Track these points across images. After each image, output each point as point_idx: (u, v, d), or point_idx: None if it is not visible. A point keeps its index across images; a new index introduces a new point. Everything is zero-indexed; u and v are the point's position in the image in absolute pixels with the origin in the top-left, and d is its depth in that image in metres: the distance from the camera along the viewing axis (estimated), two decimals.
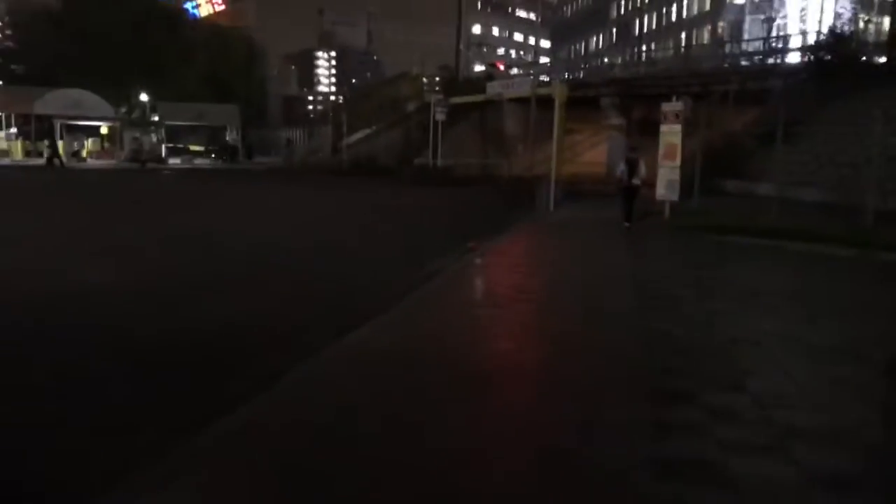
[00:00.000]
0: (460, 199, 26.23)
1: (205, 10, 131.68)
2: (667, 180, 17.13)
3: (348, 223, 17.68)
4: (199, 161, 50.69)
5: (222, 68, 71.27)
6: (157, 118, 52.37)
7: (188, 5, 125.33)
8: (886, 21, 37.24)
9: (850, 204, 17.61)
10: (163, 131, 51.58)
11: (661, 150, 17.29)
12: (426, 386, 4.89)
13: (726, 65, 29.95)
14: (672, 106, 17.17)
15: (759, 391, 4.85)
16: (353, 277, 9.98)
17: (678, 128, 16.89)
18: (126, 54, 56.39)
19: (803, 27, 47.85)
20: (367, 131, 51.96)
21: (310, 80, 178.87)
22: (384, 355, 5.62)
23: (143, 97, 55.20)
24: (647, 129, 35.54)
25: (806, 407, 4.61)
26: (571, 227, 16.79)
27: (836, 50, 23.46)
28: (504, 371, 5.31)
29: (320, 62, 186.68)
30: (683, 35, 71.17)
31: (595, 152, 41.16)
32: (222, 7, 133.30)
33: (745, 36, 46.31)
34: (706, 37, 65.20)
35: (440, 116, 34.53)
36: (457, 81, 50.98)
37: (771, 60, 29.11)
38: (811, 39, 29.79)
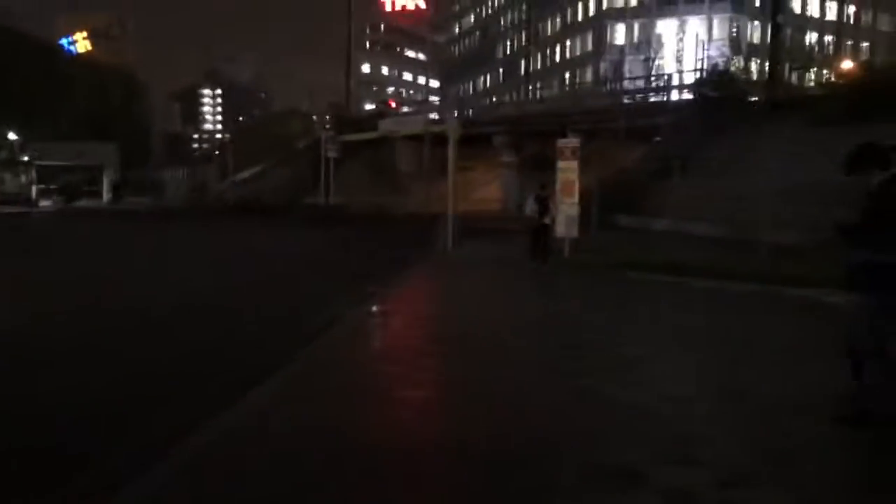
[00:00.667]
0: (354, 240, 25.25)
1: (81, 47, 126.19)
2: (566, 216, 16.79)
3: (226, 270, 16.37)
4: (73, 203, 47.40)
5: (101, 106, 67.91)
6: (26, 158, 48.84)
7: (63, 41, 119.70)
8: (753, 65, 39.55)
9: (742, 238, 17.88)
10: (33, 172, 48.06)
11: (558, 187, 16.97)
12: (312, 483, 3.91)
13: (614, 102, 30.60)
14: (568, 142, 16.98)
15: (714, 464, 4.15)
16: (228, 338, 8.83)
17: (575, 164, 16.65)
18: None
19: (680, 67, 50.16)
20: (255, 169, 50.28)
21: (195, 117, 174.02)
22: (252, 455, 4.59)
23: (11, 136, 51.50)
24: (540, 166, 35.93)
25: (781, 489, 3.93)
26: (473, 267, 16.14)
27: (718, 87, 24.20)
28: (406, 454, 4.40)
29: (206, 99, 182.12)
30: (568, 74, 73.50)
31: (489, 189, 41.22)
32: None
33: (627, 75, 48.01)
34: (589, 76, 67.47)
35: (332, 154, 33.63)
36: (348, 118, 50.24)
37: (655, 98, 29.96)
38: (691, 78, 30.91)
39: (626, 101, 31.02)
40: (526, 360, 6.95)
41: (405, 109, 58.71)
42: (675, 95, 28.50)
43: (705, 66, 26.92)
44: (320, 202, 34.74)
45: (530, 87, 68.64)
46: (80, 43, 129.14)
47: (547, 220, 15.44)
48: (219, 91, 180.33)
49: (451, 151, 23.60)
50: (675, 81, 31.72)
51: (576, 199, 16.72)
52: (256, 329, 9.03)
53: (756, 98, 25.21)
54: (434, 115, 45.92)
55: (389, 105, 53.51)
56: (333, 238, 25.80)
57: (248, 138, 63.62)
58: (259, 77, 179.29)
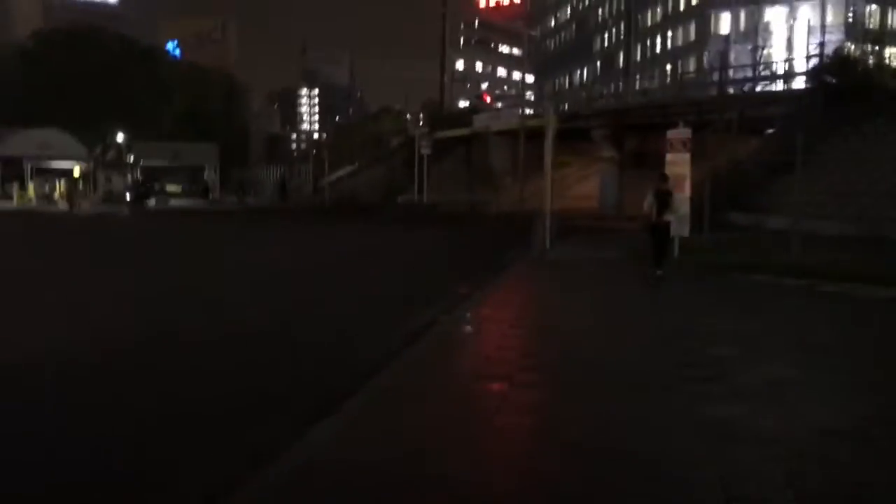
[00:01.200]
0: (448, 238, 24.58)
1: (186, 51, 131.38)
2: (675, 214, 15.51)
3: (326, 267, 15.93)
4: (176, 202, 48.77)
5: (202, 107, 69.99)
6: (131, 159, 50.65)
7: (169, 46, 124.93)
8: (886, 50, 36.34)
9: (871, 237, 16.14)
10: (138, 172, 49.81)
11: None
12: None
13: (723, 92, 28.70)
14: (678, 133, 15.65)
15: None
16: (318, 340, 8.24)
17: (686, 156, 15.34)
18: (101, 93, 54.98)
19: (790, 56, 47.08)
20: (350, 168, 50.49)
21: (293, 117, 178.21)
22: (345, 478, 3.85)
23: (120, 137, 53.59)
24: (641, 162, 34.38)
25: None
26: (572, 269, 15.13)
27: (841, 74, 22.17)
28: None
29: (303, 100, 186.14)
30: (668, 67, 70.68)
31: (585, 186, 39.81)
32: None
33: (733, 64, 45.44)
34: (692, 67, 64.61)
35: (425, 151, 33.12)
36: (441, 115, 49.74)
37: (769, 87, 27.90)
38: (807, 65, 28.69)
39: (734, 90, 29.04)
40: (647, 386, 5.93)
41: (499, 105, 57.69)
42: (797, 83, 26.38)
43: (826, 52, 24.70)
44: (414, 200, 34.32)
45: (630, 80, 66.36)
46: (185, 47, 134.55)
47: (668, 217, 12.85)
48: (316, 91, 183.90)
49: (548, 146, 22.58)
50: (789, 69, 29.39)
51: (687, 194, 15.41)
52: (355, 335, 8.40)
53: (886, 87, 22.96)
54: (529, 111, 44.81)
55: (483, 100, 52.61)
56: (427, 237, 25.19)
57: (344, 137, 64.19)
58: (354, 77, 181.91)
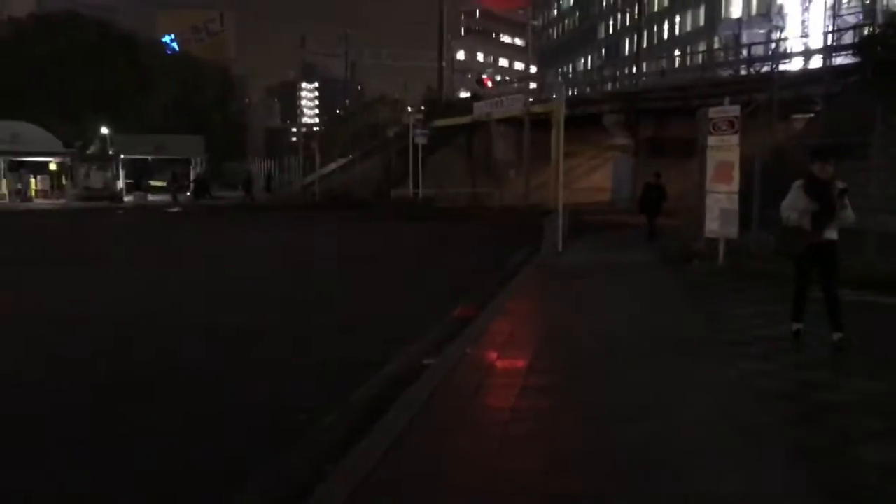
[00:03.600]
0: (444, 238, 21.71)
1: (183, 44, 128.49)
2: (721, 210, 12.64)
3: (292, 279, 13.08)
4: (155, 198, 45.82)
5: (195, 99, 67.06)
6: (112, 152, 47.73)
7: (166, 39, 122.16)
8: None
9: None
10: (118, 166, 46.87)
11: (710, 171, 12.83)
12: None
13: (752, 71, 25.79)
14: (724, 111, 12.73)
15: None
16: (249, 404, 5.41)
17: (734, 140, 12.45)
18: (79, 84, 52.05)
19: (805, 43, 44.07)
20: (343, 161, 47.50)
21: (293, 111, 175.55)
22: None
23: (104, 130, 50.72)
24: (658, 150, 31.44)
25: None
26: (594, 277, 12.25)
27: (892, 46, 19.20)
28: None
29: (303, 93, 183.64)
30: (677, 52, 67.78)
31: (596, 177, 36.87)
32: (204, 41, 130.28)
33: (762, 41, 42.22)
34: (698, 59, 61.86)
35: (420, 140, 30.17)
36: (441, 104, 46.73)
37: (806, 66, 24.87)
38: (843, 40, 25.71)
39: (764, 69, 26.00)
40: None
41: (501, 91, 54.60)
42: (826, 62, 23.46)
43: (879, 20, 21.67)
44: (409, 194, 31.38)
45: (644, 61, 63.78)
46: (182, 40, 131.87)
47: (831, 235, 8.29)
48: (316, 84, 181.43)
49: (556, 134, 19.65)
50: (830, 42, 26.19)
51: (734, 187, 12.54)
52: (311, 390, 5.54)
53: None
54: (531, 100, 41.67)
55: (485, 84, 49.47)
56: (420, 237, 22.33)
57: (337, 128, 61.19)
58: (354, 69, 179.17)
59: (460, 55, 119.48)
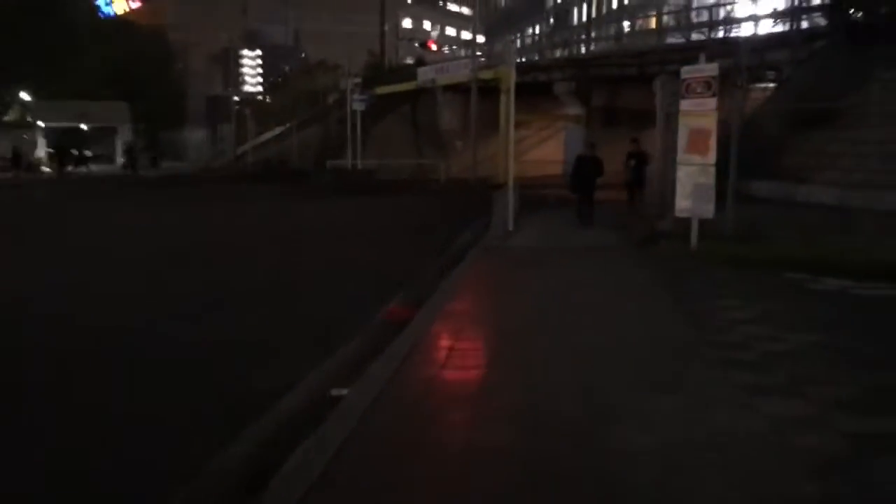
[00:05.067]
0: (382, 214, 19.80)
1: (119, 8, 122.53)
2: (693, 185, 10.99)
3: (188, 268, 11.02)
4: (79, 169, 42.45)
5: (131, 65, 63.17)
6: (29, 119, 44.15)
7: (100, 2, 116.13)
8: None
9: None
10: (37, 134, 43.34)
11: (682, 141, 11.15)
12: None
13: (713, 36, 24.29)
14: (699, 70, 11.03)
15: None
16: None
17: (712, 103, 10.78)
18: None
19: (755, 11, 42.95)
20: (280, 129, 44.82)
21: (235, 79, 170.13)
22: None
23: (24, 96, 46.93)
24: (612, 119, 29.89)
25: None
26: (551, 262, 10.50)
27: (867, 8, 17.83)
28: None
29: (246, 60, 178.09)
30: (626, 24, 66.47)
31: (546, 149, 35.16)
32: (138, 4, 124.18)
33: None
34: (652, 25, 60.56)
35: (358, 106, 27.87)
36: (384, 70, 44.33)
37: (766, 30, 23.38)
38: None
39: (724, 34, 24.48)
40: None
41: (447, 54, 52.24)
42: (793, 25, 22.01)
43: None
44: (347, 165, 29.12)
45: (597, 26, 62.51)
46: (118, 3, 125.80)
47: None
48: (259, 52, 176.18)
49: (506, 101, 17.89)
50: (792, 4, 24.60)
51: (710, 158, 10.90)
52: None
53: None
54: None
55: (429, 47, 47.13)
56: (356, 212, 20.37)
57: (276, 95, 58.17)
58: (298, 36, 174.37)
59: (406, 23, 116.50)
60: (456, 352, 5.73)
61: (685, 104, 11.06)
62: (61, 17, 54.99)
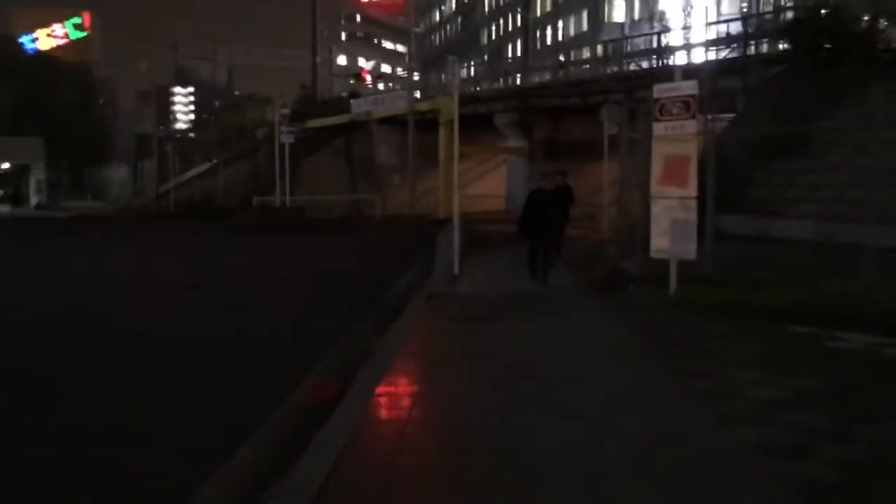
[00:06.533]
0: (310, 257, 17.78)
1: (45, 45, 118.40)
2: (671, 221, 9.39)
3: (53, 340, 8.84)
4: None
5: (50, 100, 59.99)
6: None
7: (24, 39, 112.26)
8: None
9: None
10: None
11: (656, 170, 9.58)
12: None
13: (662, 63, 23.24)
14: (674, 89, 9.49)
15: None
16: None
17: (691, 126, 9.26)
18: None
19: (688, 41, 42.97)
20: (207, 166, 42.38)
21: (167, 116, 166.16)
22: None
23: None
24: (554, 152, 28.62)
25: None
26: (510, 321, 8.62)
27: (830, 31, 16.89)
28: None
29: (178, 97, 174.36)
30: (561, 57, 66.64)
31: (488, 183, 33.70)
32: (64, 41, 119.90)
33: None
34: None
35: (286, 139, 25.88)
36: (316, 103, 42.46)
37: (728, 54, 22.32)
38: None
39: (673, 62, 23.43)
40: None
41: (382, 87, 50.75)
42: (746, 51, 21.03)
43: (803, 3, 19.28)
44: (276, 202, 27.05)
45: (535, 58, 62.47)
46: (43, 41, 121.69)
47: None
48: (191, 89, 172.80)
49: (446, 133, 16.27)
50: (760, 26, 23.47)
51: (691, 191, 9.33)
52: None
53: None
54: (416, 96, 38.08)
55: (363, 78, 45.55)
56: (279, 254, 18.32)
57: (203, 131, 55.71)
58: (231, 72, 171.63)
59: (341, 60, 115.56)
60: (392, 473, 3.80)
61: (659, 128, 9.51)
62: None
